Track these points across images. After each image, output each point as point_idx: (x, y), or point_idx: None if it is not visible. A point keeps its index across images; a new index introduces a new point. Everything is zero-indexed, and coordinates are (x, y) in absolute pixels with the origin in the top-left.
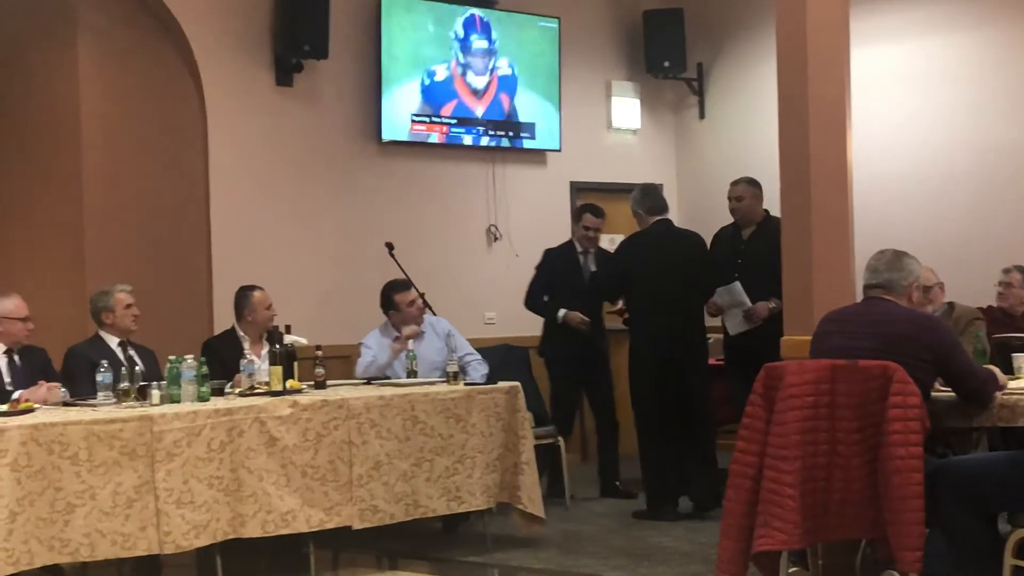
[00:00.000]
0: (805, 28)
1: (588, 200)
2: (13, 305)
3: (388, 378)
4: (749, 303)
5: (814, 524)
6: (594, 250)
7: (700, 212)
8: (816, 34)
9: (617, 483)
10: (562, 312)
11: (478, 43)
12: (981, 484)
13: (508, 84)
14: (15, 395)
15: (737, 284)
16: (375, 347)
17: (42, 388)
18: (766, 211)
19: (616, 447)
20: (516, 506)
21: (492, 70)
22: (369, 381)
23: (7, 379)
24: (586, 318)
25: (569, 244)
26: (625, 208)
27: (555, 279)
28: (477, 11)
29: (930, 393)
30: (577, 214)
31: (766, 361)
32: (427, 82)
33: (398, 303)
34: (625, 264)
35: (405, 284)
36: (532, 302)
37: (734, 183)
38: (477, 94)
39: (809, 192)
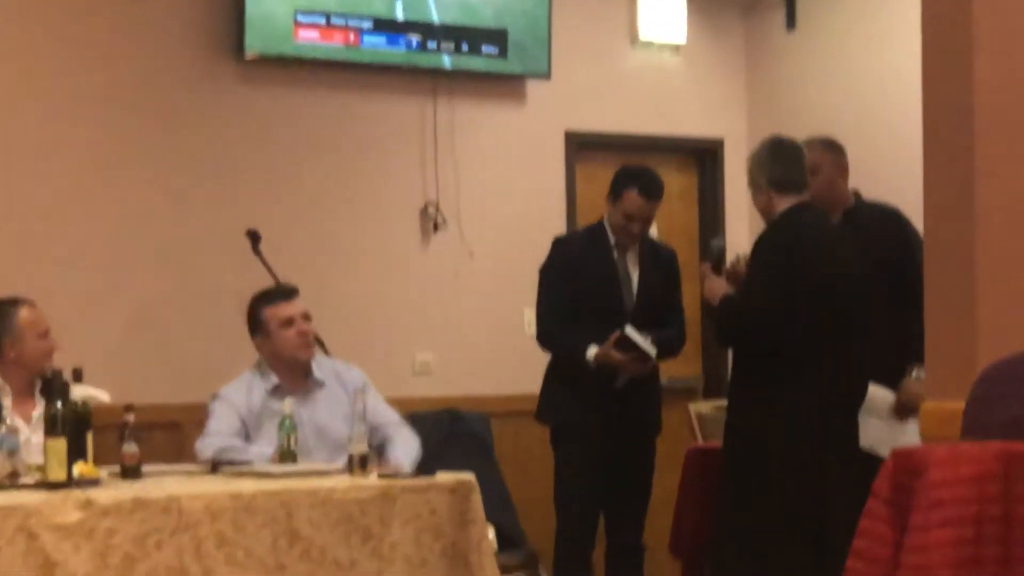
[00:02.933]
0: None
1: (597, 162)
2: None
3: (249, 463)
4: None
5: None
6: (636, 246)
7: None
8: None
9: None
10: (592, 351)
11: None
12: None
13: None
14: None
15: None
16: (236, 407)
17: None
18: (855, 192)
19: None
20: None
21: None
22: (216, 467)
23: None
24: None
25: (596, 231)
26: (665, 167)
27: (580, 293)
28: None
29: None
30: (616, 186)
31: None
32: None
33: (267, 322)
34: (794, 274)
35: (286, 292)
36: (545, 329)
37: (804, 146)
38: None
39: (973, 169)
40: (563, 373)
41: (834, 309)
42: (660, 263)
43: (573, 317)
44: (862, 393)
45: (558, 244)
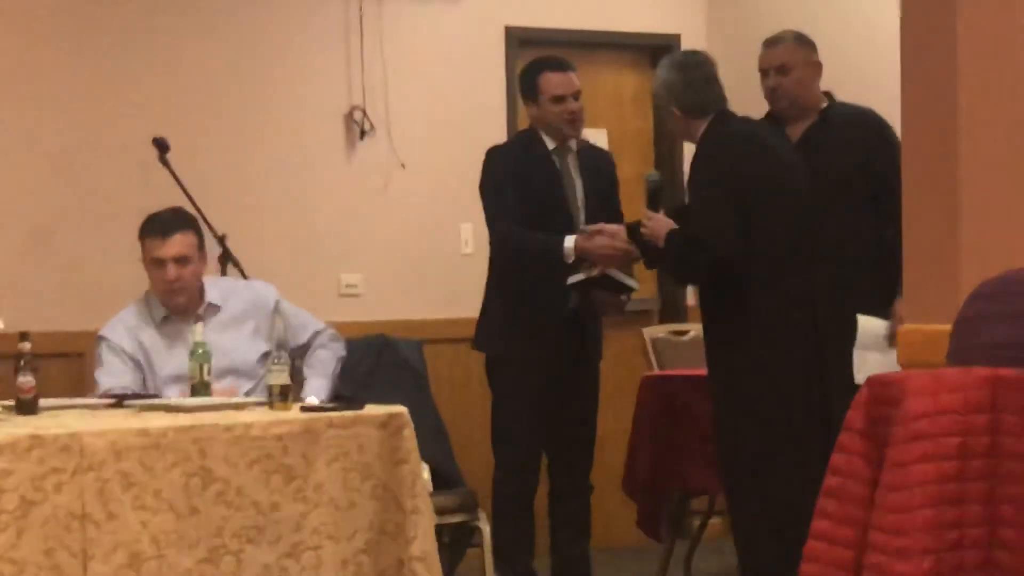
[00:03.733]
0: None
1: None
2: None
3: (154, 396)
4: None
5: None
6: (578, 144)
7: (747, 89)
8: None
9: None
10: (570, 241)
11: None
12: None
13: None
14: None
15: None
16: (124, 350)
17: None
18: (827, 94)
19: (588, 531)
20: None
21: None
22: (121, 401)
23: None
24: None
25: (530, 138)
26: (611, 83)
27: (525, 204)
28: None
29: None
30: (527, 82)
31: None
32: None
33: (143, 256)
34: (743, 181)
35: (163, 227)
36: (510, 232)
37: (769, 42)
38: None
39: (955, 69)
40: (506, 296)
41: (787, 208)
42: (601, 167)
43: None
44: (849, 298)
45: (494, 154)
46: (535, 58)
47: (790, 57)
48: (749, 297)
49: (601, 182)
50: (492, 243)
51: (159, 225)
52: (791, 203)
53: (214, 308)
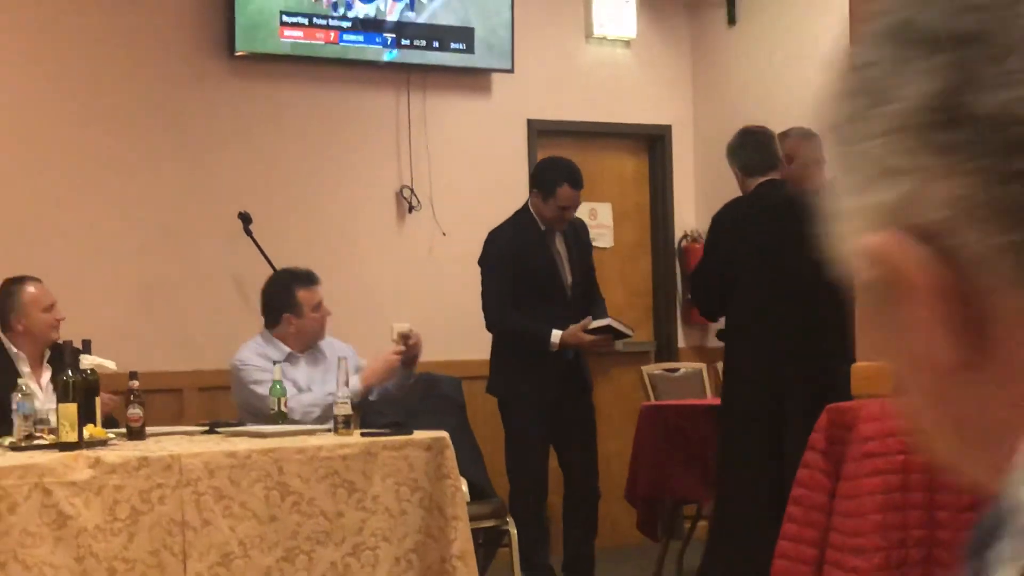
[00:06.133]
0: None
1: (556, 148)
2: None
3: (239, 424)
4: None
5: None
6: (568, 232)
7: (727, 171)
8: None
9: None
10: (556, 335)
11: None
12: None
13: None
14: None
15: None
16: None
17: None
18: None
19: (594, 532)
20: None
21: None
22: (212, 428)
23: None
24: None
25: (524, 217)
26: (614, 165)
27: (522, 279)
28: None
29: None
30: (547, 183)
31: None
32: None
33: (301, 304)
34: (727, 252)
35: (310, 276)
36: (501, 318)
37: (782, 135)
38: None
39: None
40: (512, 349)
41: (780, 269)
42: (580, 235)
43: (516, 302)
44: (825, 346)
45: (494, 238)
46: (558, 163)
47: (795, 148)
48: (731, 341)
49: (580, 248)
50: (486, 321)
51: (309, 277)
52: (769, 272)
53: (322, 354)
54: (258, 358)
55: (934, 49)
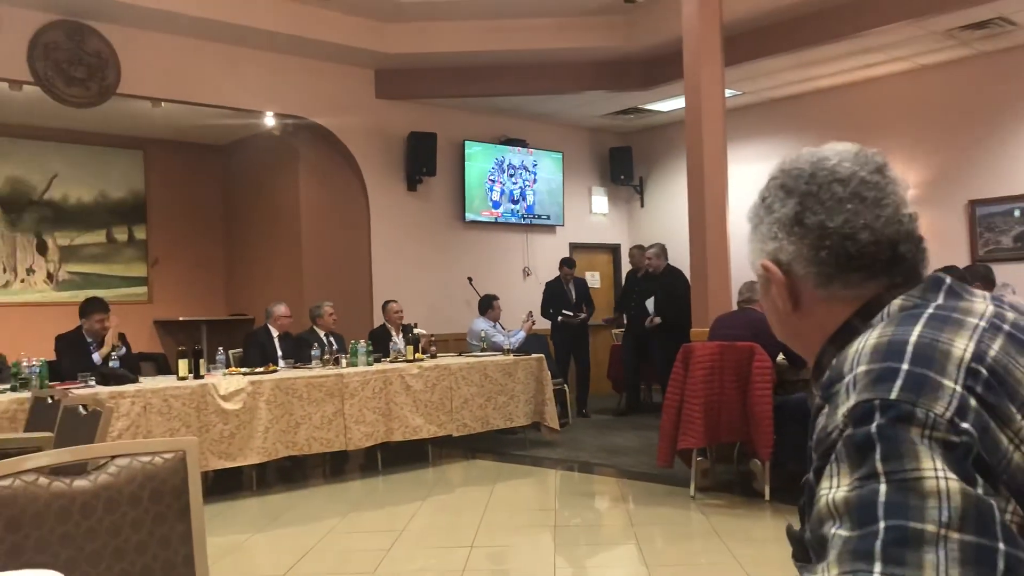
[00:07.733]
0: (702, 155)
1: (578, 253)
2: (284, 308)
3: (473, 350)
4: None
5: (711, 433)
6: (572, 281)
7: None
8: (708, 159)
9: (584, 411)
10: (560, 317)
11: (519, 167)
12: (800, 409)
13: (535, 188)
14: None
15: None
16: (493, 328)
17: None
18: (668, 265)
19: (587, 388)
20: (543, 423)
21: (525, 181)
22: (461, 353)
23: (279, 352)
24: (576, 317)
25: (557, 278)
26: (600, 255)
27: (553, 299)
28: (517, 148)
29: (776, 360)
30: (561, 263)
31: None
32: (488, 187)
33: (495, 307)
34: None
35: (495, 297)
36: (544, 313)
37: (649, 247)
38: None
39: (705, 246)
40: (556, 326)
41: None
42: (579, 284)
43: (553, 307)
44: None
45: (548, 284)
46: (565, 258)
47: (657, 252)
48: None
49: (580, 290)
50: (543, 315)
51: (494, 297)
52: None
53: (494, 325)
54: (484, 324)
55: (792, 195)
